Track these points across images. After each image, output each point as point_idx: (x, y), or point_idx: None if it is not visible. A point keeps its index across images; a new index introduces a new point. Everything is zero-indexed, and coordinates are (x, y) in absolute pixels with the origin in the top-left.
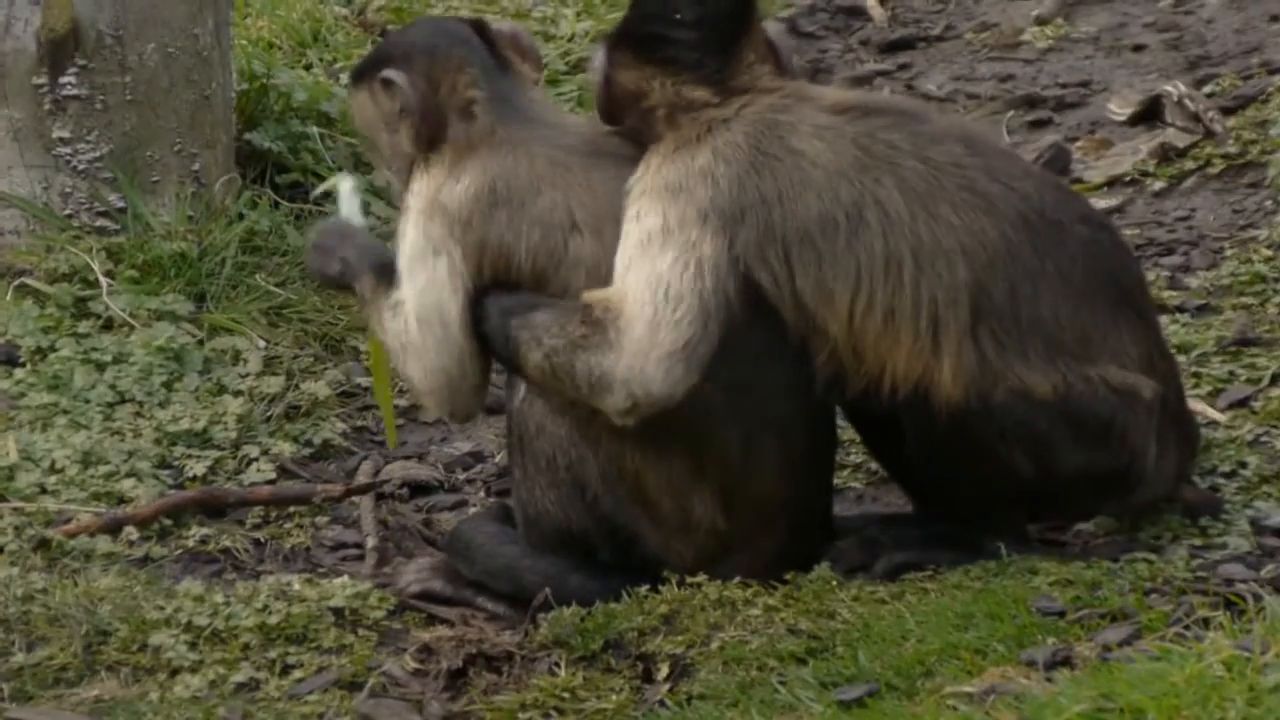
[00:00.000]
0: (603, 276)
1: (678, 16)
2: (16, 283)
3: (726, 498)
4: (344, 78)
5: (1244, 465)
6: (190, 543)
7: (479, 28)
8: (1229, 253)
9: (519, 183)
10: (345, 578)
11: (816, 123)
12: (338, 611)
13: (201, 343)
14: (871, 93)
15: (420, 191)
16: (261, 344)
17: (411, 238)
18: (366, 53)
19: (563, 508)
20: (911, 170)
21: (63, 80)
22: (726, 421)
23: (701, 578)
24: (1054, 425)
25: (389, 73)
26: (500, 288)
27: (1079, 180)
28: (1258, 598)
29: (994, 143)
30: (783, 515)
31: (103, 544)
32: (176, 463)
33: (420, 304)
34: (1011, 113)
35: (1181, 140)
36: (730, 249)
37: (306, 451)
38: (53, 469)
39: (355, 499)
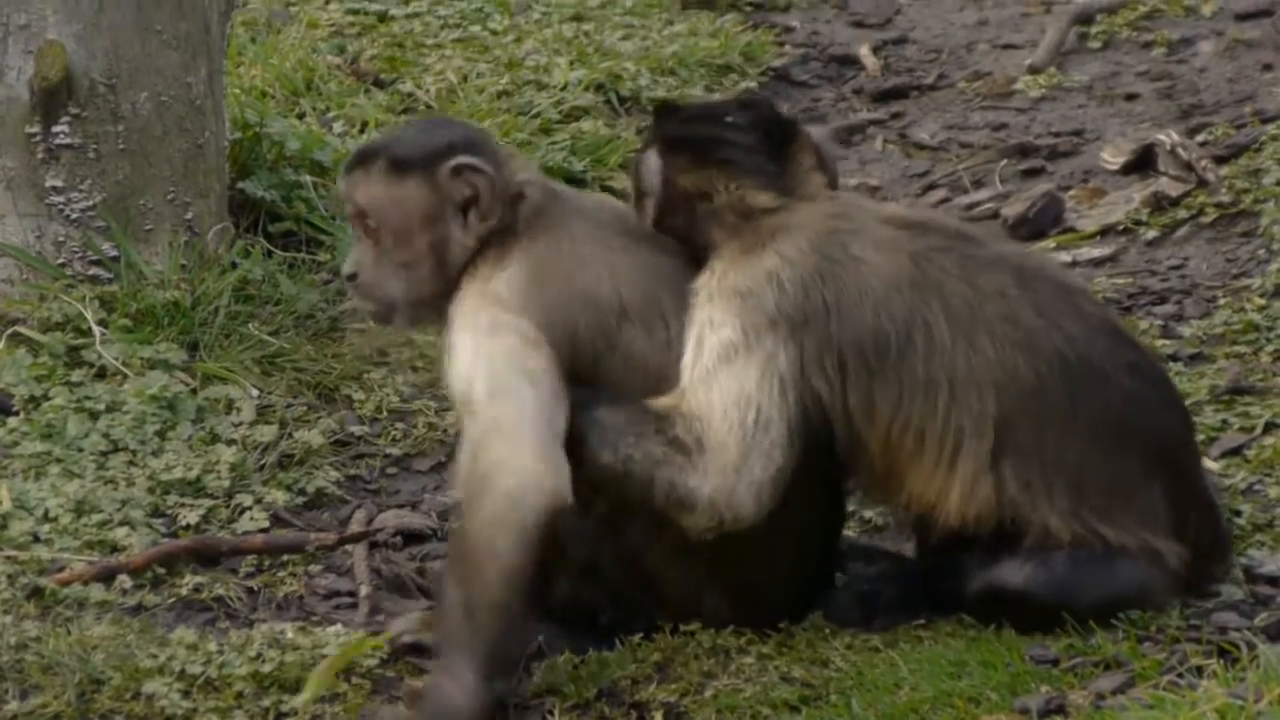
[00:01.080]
0: (652, 372)
1: (730, 120)
2: (9, 331)
3: (738, 593)
4: (345, 140)
5: (1238, 514)
6: (183, 591)
7: None
8: (1222, 301)
9: (566, 261)
10: (338, 626)
11: (877, 235)
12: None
13: (195, 391)
14: (928, 209)
15: (472, 290)
16: (255, 393)
17: (470, 344)
18: (392, 141)
19: (573, 587)
20: (958, 295)
21: (56, 129)
22: (755, 530)
23: (695, 625)
24: (1073, 571)
25: (467, 159)
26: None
27: (1071, 229)
28: (1251, 646)
29: (1052, 275)
30: (789, 599)
31: (96, 592)
32: (169, 511)
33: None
34: (1004, 162)
35: (1174, 189)
36: (800, 358)
37: (300, 500)
38: (46, 517)
39: (349, 547)
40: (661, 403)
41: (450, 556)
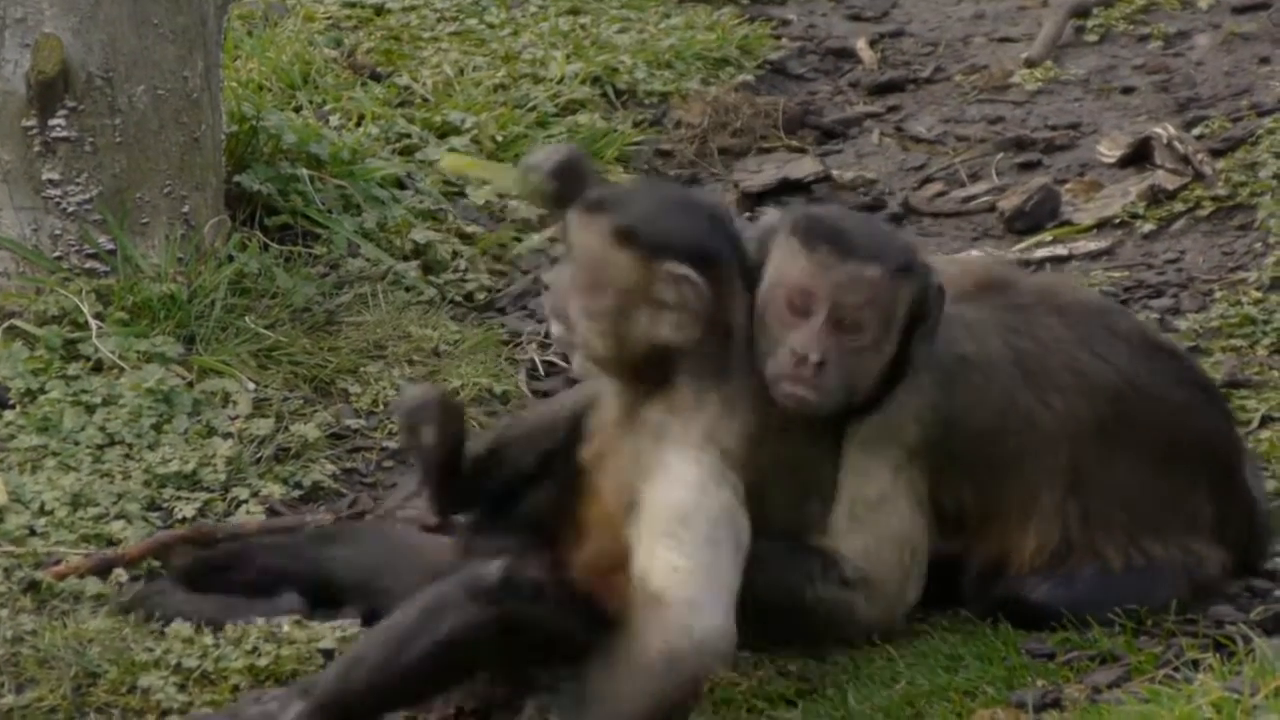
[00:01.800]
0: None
1: None
2: (6, 325)
3: None
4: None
5: None
6: None
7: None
8: (1218, 295)
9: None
10: (335, 619)
11: (966, 318)
12: (327, 653)
13: (191, 385)
14: (980, 260)
15: (698, 420)
16: (251, 386)
17: (695, 481)
18: (633, 205)
19: None
20: (1031, 356)
21: (52, 122)
22: None
23: None
24: (1098, 588)
25: (686, 270)
26: None
27: (1068, 222)
28: (1247, 639)
29: (1083, 301)
30: None
31: (92, 585)
32: (166, 504)
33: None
34: (1001, 155)
35: (1171, 182)
36: (931, 477)
37: (296, 493)
38: (42, 511)
39: None
40: (827, 545)
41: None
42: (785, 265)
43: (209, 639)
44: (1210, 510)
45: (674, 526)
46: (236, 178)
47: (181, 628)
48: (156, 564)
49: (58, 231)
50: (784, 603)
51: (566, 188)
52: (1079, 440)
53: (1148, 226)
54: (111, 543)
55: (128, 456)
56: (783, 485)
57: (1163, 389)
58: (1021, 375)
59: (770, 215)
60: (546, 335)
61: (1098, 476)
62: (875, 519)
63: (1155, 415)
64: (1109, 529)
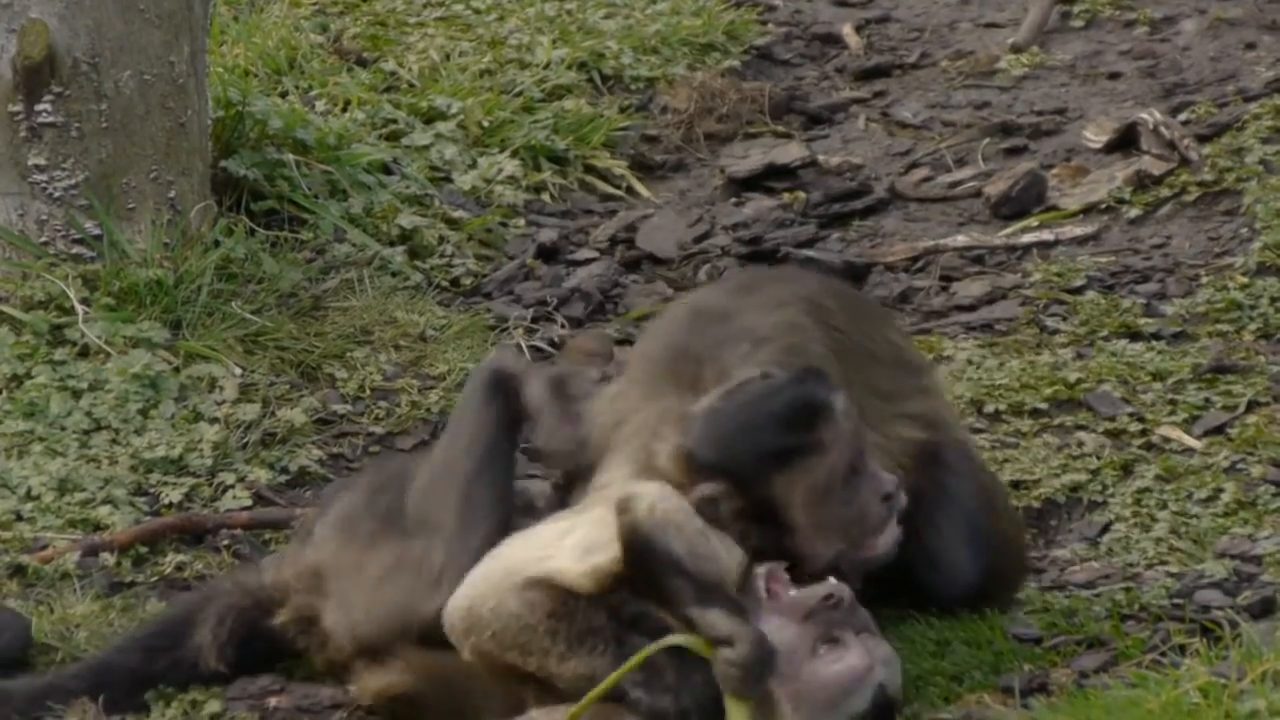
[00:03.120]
0: None
1: None
2: None
3: None
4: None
5: (1221, 492)
6: (166, 569)
7: None
8: (1204, 280)
9: None
10: None
11: None
12: None
13: (177, 370)
14: None
15: None
16: (238, 371)
17: None
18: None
19: None
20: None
21: (39, 108)
22: None
23: None
24: None
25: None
26: None
27: (1054, 208)
28: (1234, 624)
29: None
30: None
31: (78, 570)
32: (152, 489)
33: None
34: (987, 140)
35: (1157, 168)
36: None
37: (283, 479)
38: (28, 496)
39: None
40: None
41: None
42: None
43: None
44: None
45: None
46: (223, 163)
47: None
48: (144, 550)
49: (44, 217)
50: None
51: None
52: None
53: (1134, 212)
54: (98, 528)
55: (114, 441)
56: None
57: None
58: None
59: None
60: (533, 320)
61: None
62: None
63: None
64: None
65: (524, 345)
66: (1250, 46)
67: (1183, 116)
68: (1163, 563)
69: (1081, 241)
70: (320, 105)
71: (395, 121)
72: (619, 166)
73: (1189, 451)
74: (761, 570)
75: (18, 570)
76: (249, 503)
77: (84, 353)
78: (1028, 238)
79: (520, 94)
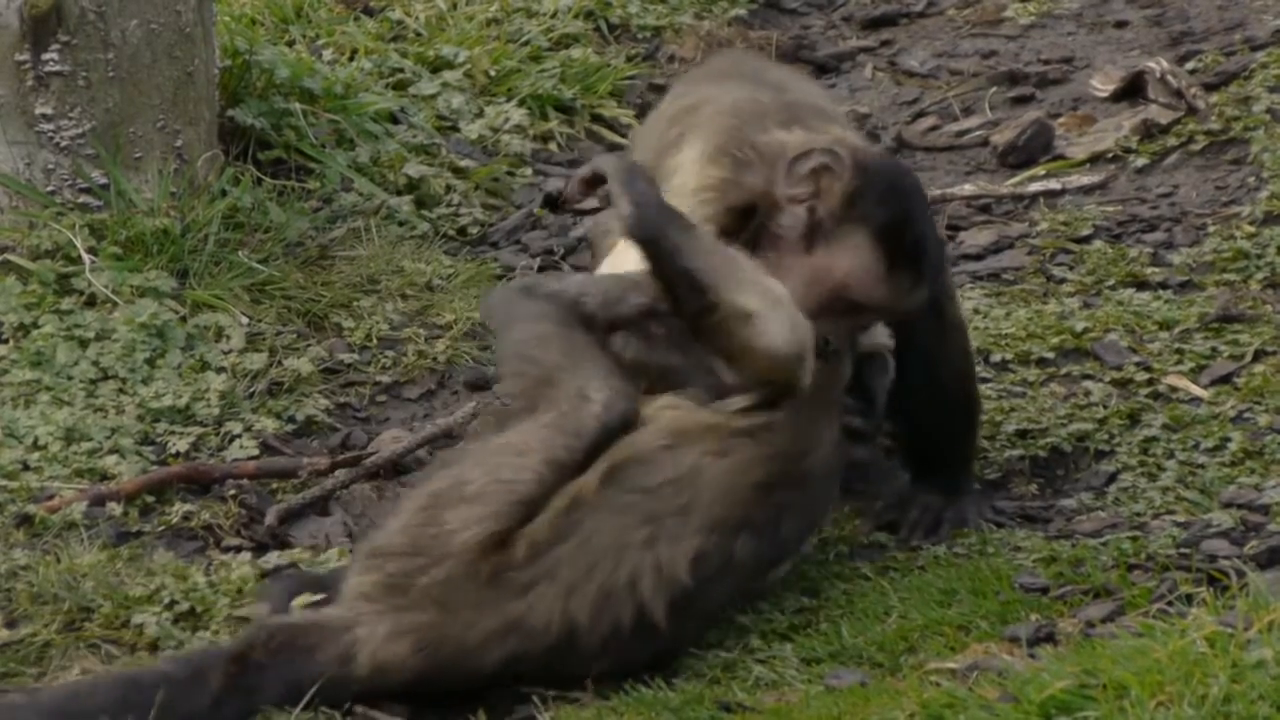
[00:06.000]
0: None
1: None
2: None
3: None
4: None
5: (1227, 441)
6: (173, 519)
7: None
8: (1211, 229)
9: None
10: (334, 550)
11: None
12: None
13: (184, 319)
14: None
15: None
16: (244, 320)
17: None
18: None
19: None
20: None
21: (45, 57)
22: None
23: None
24: None
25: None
26: None
27: (1061, 157)
28: (1241, 574)
29: None
30: None
31: (85, 520)
32: (159, 439)
33: None
34: (994, 89)
35: (1164, 117)
36: None
37: (290, 428)
38: (35, 446)
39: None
40: None
41: None
42: None
43: (201, 575)
44: None
45: None
46: (230, 112)
47: (174, 562)
48: (151, 499)
49: (51, 166)
50: None
51: None
52: None
53: (1141, 161)
54: (105, 477)
55: (121, 391)
56: None
57: None
58: None
59: None
60: (539, 269)
61: None
62: None
63: None
64: None
65: None
66: None
67: (1190, 65)
68: (1169, 512)
69: (1088, 190)
70: (327, 54)
71: (402, 70)
72: (626, 116)
73: (1196, 401)
74: None
75: (25, 520)
76: (256, 452)
77: (90, 302)
78: (1035, 187)
79: (527, 43)
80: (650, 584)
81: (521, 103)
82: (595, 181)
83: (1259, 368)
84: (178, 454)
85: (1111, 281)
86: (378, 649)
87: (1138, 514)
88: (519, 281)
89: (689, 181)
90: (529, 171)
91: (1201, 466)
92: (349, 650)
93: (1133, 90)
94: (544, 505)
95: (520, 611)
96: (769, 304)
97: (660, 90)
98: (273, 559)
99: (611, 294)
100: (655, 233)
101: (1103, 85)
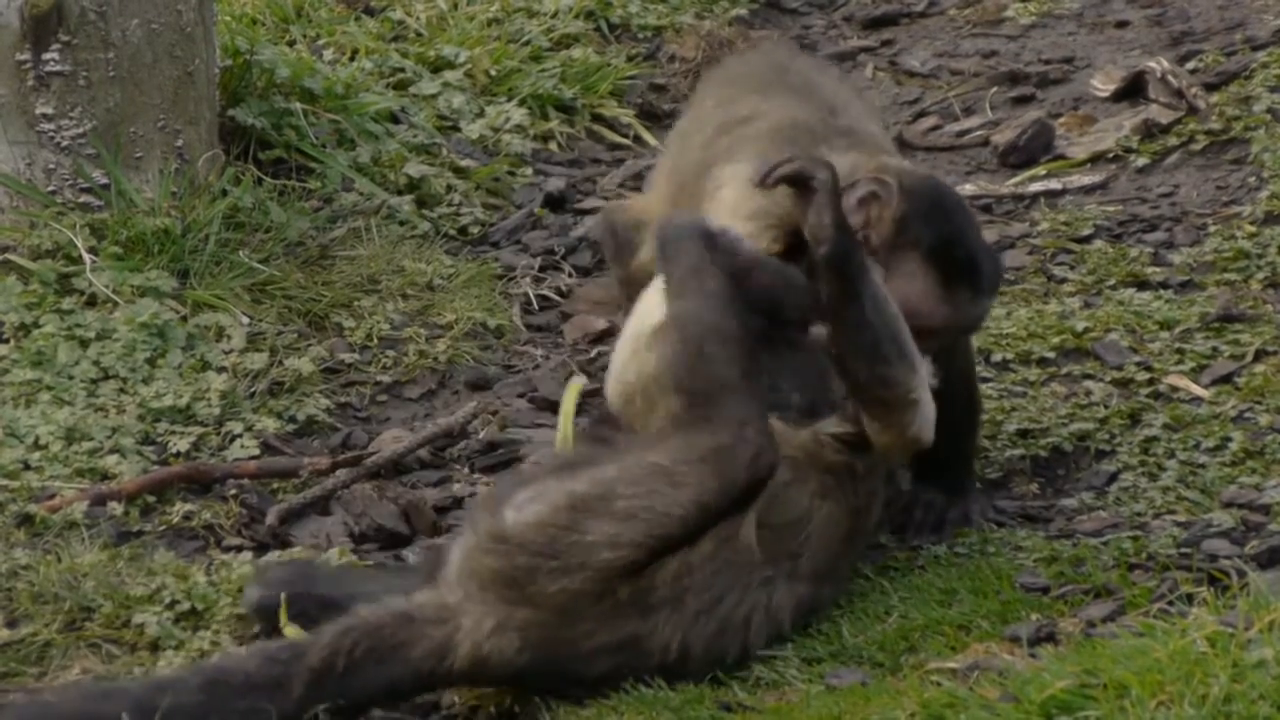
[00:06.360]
0: None
1: None
2: (0, 259)
3: None
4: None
5: (1228, 441)
6: (174, 518)
7: None
8: (1212, 229)
9: None
10: (334, 550)
11: None
12: None
13: (185, 319)
14: None
15: None
16: (245, 320)
17: None
18: None
19: None
20: None
21: (46, 56)
22: None
23: None
24: None
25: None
26: None
27: (1061, 156)
28: (1241, 574)
29: None
30: None
31: (86, 520)
32: (160, 439)
33: None
34: (995, 89)
35: (1165, 117)
36: None
37: (290, 428)
38: (36, 445)
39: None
40: None
41: None
42: None
43: (201, 574)
44: None
45: None
46: (230, 112)
47: (175, 562)
48: (152, 499)
49: (51, 166)
50: None
51: None
52: None
53: (1141, 160)
54: (106, 477)
55: (122, 391)
56: None
57: None
58: None
59: None
60: (540, 269)
61: None
62: None
63: None
64: None
65: (531, 295)
66: None
67: (1191, 65)
68: (1170, 512)
69: (1089, 190)
70: (328, 54)
71: (403, 70)
72: (626, 115)
73: (1197, 400)
74: None
75: (26, 519)
76: (257, 452)
77: (91, 302)
78: (1035, 187)
79: (528, 43)
80: (759, 623)
81: (522, 102)
82: (799, 180)
83: (1260, 367)
84: (178, 454)
85: (1112, 281)
86: (483, 641)
87: (1138, 514)
88: (701, 225)
89: (742, 204)
90: (529, 171)
91: (1202, 466)
92: (448, 641)
93: (1133, 90)
94: (684, 548)
95: (641, 632)
96: (925, 391)
97: (660, 90)
98: (273, 559)
99: (794, 290)
100: (854, 270)
101: (1103, 85)
